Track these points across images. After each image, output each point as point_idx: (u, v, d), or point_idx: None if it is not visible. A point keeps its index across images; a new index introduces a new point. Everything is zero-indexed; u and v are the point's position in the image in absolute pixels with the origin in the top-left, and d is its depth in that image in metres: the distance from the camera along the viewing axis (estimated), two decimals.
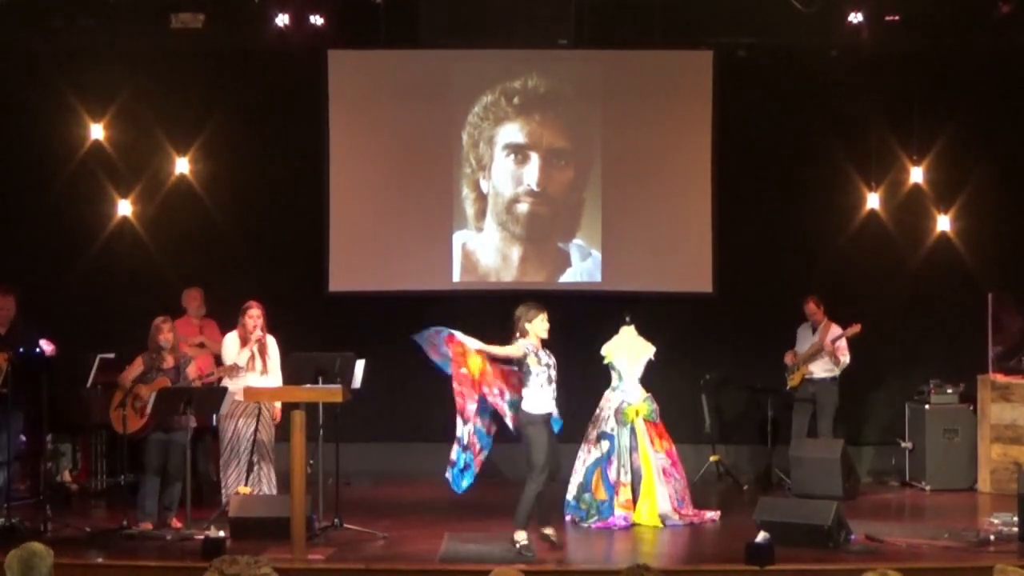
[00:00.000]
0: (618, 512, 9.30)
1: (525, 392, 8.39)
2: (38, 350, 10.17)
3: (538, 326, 8.43)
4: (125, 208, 11.86)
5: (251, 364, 9.48)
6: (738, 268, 11.75)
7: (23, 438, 10.05)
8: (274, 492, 9.37)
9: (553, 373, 8.40)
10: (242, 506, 8.66)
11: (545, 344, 8.50)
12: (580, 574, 8.25)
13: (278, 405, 9.40)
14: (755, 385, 11.58)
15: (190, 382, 9.18)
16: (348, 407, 8.84)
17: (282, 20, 11.12)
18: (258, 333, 9.49)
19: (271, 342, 9.61)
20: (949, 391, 11.20)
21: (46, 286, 11.56)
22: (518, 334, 8.45)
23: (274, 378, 9.47)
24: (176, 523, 8.96)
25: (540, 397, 8.36)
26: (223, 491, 9.51)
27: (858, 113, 11.85)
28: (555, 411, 8.44)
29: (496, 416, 8.54)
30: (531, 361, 8.35)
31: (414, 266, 11.94)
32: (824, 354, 11.04)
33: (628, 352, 9.70)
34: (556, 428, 8.47)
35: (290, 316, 10.55)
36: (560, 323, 11.72)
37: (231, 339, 9.59)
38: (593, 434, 9.59)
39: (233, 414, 9.41)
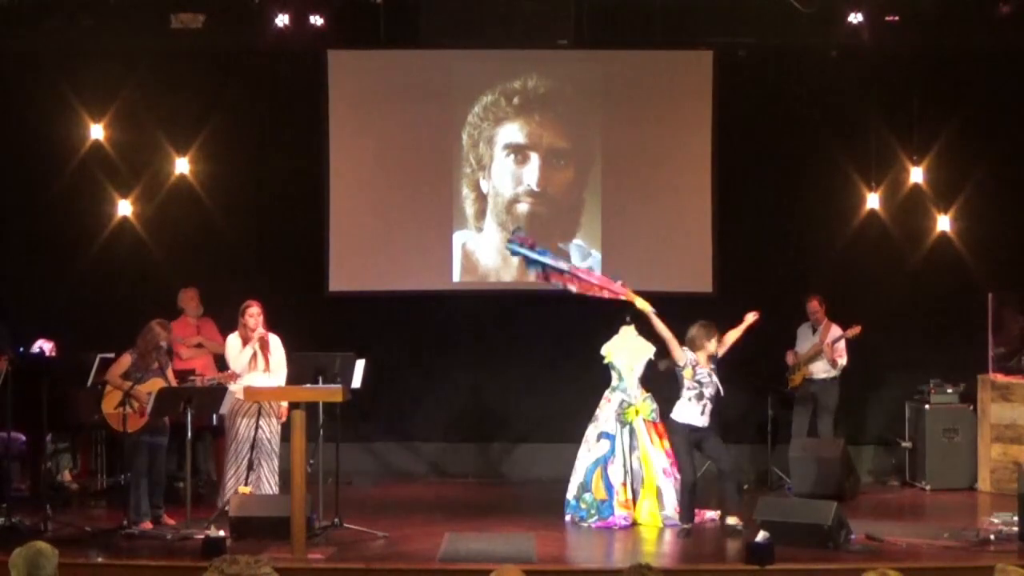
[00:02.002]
0: (618, 512, 9.30)
1: (678, 401, 9.06)
2: (39, 350, 10.20)
3: (711, 346, 9.10)
4: (125, 208, 11.86)
5: (253, 363, 9.48)
6: (738, 268, 11.75)
7: (23, 438, 10.06)
8: (274, 491, 9.37)
9: (708, 392, 9.01)
10: (242, 506, 8.65)
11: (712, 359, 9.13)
12: (580, 574, 8.24)
13: (284, 404, 9.38)
14: (755, 385, 11.58)
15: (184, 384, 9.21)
16: (348, 407, 8.84)
17: (282, 20, 11.13)
18: (260, 331, 9.49)
19: (275, 340, 9.60)
20: (949, 391, 11.20)
21: (46, 286, 11.57)
22: (687, 346, 9.07)
23: (278, 376, 9.46)
24: (168, 520, 8.97)
25: (685, 409, 9.02)
26: (221, 490, 9.52)
27: (858, 113, 11.85)
28: (701, 423, 9.01)
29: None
30: (686, 373, 9.02)
31: (414, 266, 11.94)
32: (823, 355, 11.03)
33: (628, 352, 9.70)
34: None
35: (290, 316, 10.54)
36: (560, 323, 11.82)
37: (233, 340, 9.58)
38: (593, 434, 9.59)
39: (238, 413, 9.41)
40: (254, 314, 9.50)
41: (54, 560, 4.62)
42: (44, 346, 10.35)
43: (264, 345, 9.51)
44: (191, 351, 10.61)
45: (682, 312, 11.60)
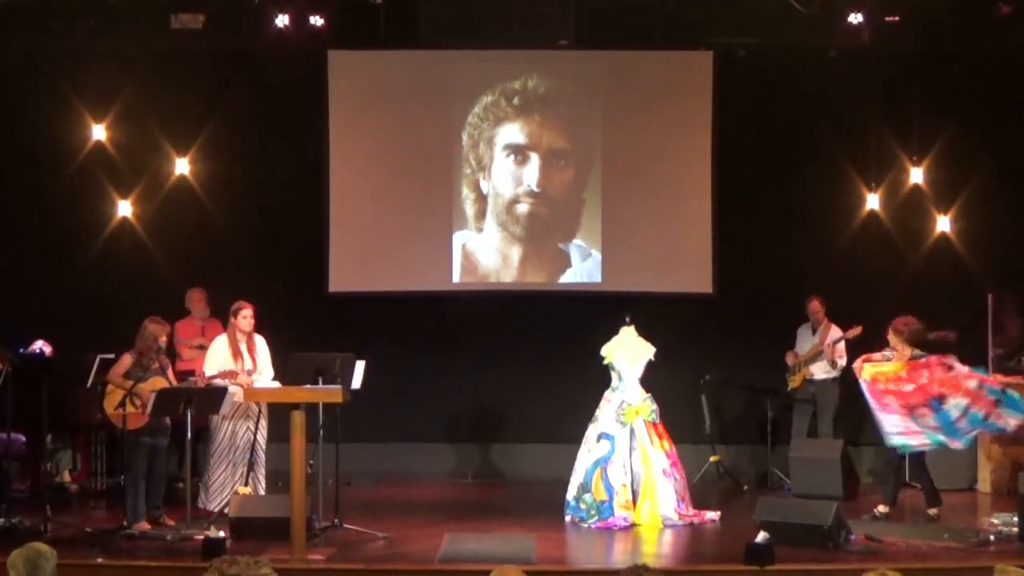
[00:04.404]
0: (618, 512, 9.29)
1: None
2: (38, 351, 10.20)
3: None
4: (125, 208, 11.86)
5: (240, 363, 9.48)
6: (738, 268, 11.75)
7: (23, 438, 10.06)
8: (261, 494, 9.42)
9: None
10: (242, 506, 8.66)
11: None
12: (580, 574, 8.24)
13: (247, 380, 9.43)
14: (755, 385, 11.59)
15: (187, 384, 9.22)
16: (348, 407, 8.84)
17: (282, 20, 11.14)
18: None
19: (260, 340, 9.63)
20: None
21: (46, 286, 11.58)
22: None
23: (265, 376, 9.50)
24: (168, 520, 8.98)
25: None
26: (207, 490, 9.52)
27: (858, 113, 11.85)
28: None
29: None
30: None
31: (414, 266, 11.94)
32: (823, 355, 11.03)
33: (628, 352, 9.70)
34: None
35: (290, 316, 10.56)
36: (560, 323, 11.82)
37: (221, 342, 9.58)
38: (593, 434, 9.58)
39: (228, 415, 9.42)
40: (247, 316, 9.53)
41: (53, 561, 4.62)
42: (43, 348, 10.34)
43: (251, 346, 9.53)
44: (192, 351, 10.59)
45: (683, 312, 11.70)
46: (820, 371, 11.12)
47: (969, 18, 11.21)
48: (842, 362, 11.03)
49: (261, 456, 9.53)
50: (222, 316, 10.48)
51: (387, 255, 11.95)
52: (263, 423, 9.52)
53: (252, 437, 9.45)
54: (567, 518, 9.47)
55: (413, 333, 12.00)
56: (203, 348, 10.53)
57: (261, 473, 9.57)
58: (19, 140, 11.75)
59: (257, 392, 9.06)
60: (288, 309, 10.69)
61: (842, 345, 10.99)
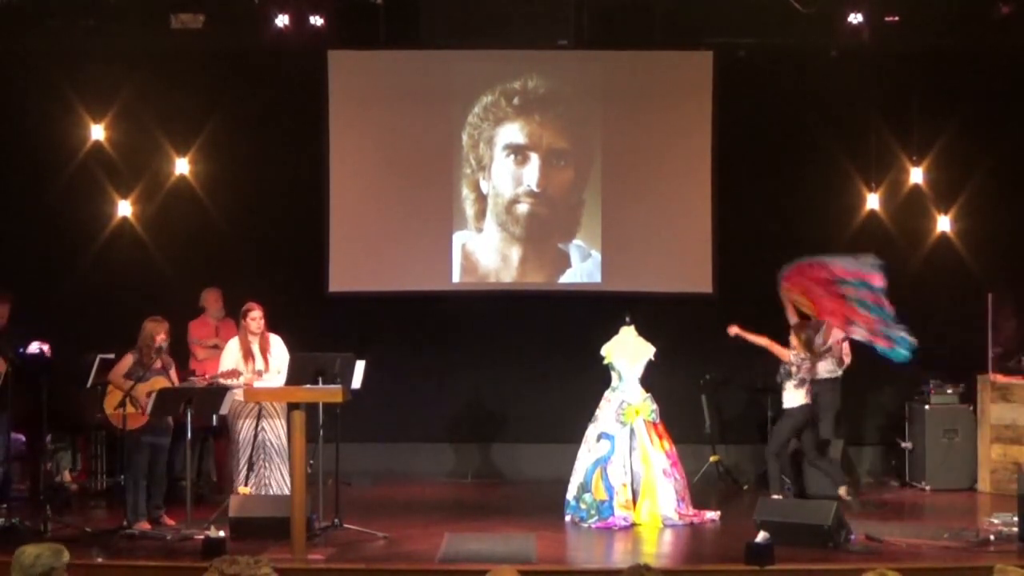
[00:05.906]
0: (618, 512, 9.29)
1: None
2: (38, 351, 10.21)
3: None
4: (125, 208, 11.87)
5: (252, 364, 9.48)
6: (738, 268, 11.74)
7: (23, 438, 10.07)
8: (284, 492, 9.37)
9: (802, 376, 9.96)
10: (242, 506, 8.66)
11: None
12: (580, 574, 8.25)
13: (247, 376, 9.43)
14: (755, 385, 11.59)
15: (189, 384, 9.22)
16: (348, 407, 8.84)
17: (282, 20, 11.13)
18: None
19: (276, 340, 9.61)
20: (949, 391, 11.21)
21: (46, 286, 11.57)
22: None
23: (281, 377, 9.48)
24: (168, 520, 8.97)
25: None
26: (233, 492, 9.52)
27: (858, 113, 11.85)
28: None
29: None
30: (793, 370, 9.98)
31: (414, 266, 11.94)
32: (826, 355, 11.02)
33: (628, 352, 9.70)
34: None
35: (290, 316, 10.54)
36: (560, 324, 11.82)
37: (233, 344, 9.58)
38: (593, 434, 9.58)
39: (239, 415, 9.42)
40: (256, 318, 9.52)
41: (34, 568, 4.51)
42: (41, 347, 10.35)
43: (264, 346, 9.52)
44: (207, 352, 10.56)
45: (683, 312, 11.69)
46: (822, 370, 11.08)
47: (969, 18, 11.21)
48: (847, 360, 11.02)
49: (273, 455, 9.49)
50: (231, 317, 10.49)
51: (387, 255, 11.95)
52: (272, 422, 9.47)
53: (263, 435, 9.41)
54: (567, 518, 9.47)
55: (413, 333, 12.00)
56: (218, 348, 10.53)
57: (278, 471, 9.47)
58: (18, 140, 11.74)
59: (256, 392, 9.06)
60: (288, 309, 10.67)
61: (847, 344, 10.98)
